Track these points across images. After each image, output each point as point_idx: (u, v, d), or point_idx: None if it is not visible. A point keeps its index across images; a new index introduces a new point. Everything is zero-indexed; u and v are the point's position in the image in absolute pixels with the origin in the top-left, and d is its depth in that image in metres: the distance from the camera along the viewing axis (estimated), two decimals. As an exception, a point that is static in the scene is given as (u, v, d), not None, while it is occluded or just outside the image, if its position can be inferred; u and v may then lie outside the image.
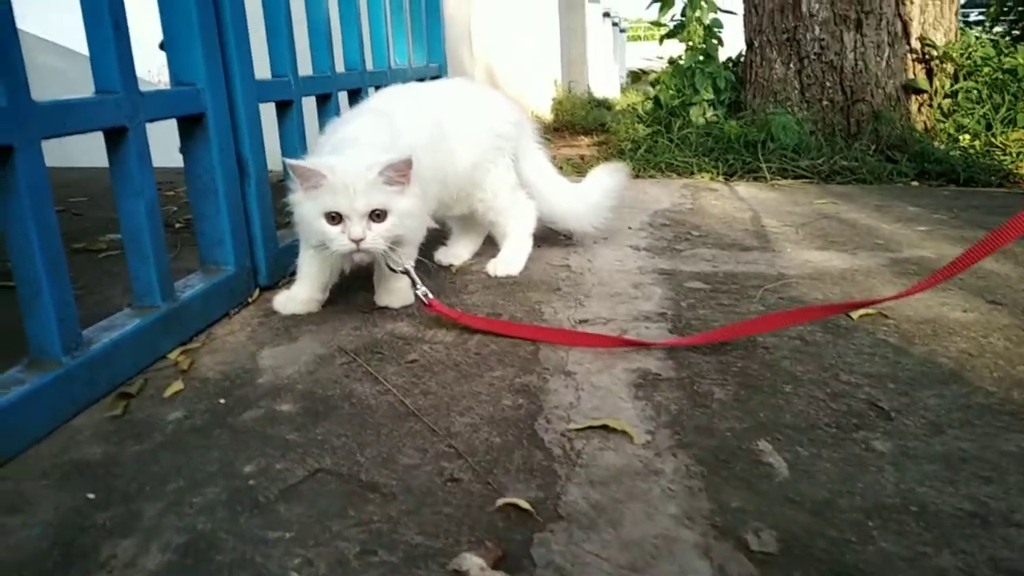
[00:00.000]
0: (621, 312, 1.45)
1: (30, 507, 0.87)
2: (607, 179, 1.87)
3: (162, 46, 1.38)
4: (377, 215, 1.28)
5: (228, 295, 1.46)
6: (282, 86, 1.64)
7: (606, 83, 10.68)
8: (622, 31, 13.84)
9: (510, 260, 1.72)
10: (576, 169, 3.52)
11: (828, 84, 3.36)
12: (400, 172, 1.28)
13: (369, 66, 2.15)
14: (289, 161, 1.28)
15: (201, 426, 1.05)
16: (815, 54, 3.37)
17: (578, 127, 5.82)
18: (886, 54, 3.30)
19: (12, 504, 0.87)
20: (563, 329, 1.37)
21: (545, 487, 0.89)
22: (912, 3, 3.26)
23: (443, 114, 1.61)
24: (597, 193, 1.85)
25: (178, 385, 1.16)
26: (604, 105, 7.83)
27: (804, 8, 3.35)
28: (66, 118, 1.06)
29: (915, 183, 2.90)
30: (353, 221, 1.27)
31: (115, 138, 1.18)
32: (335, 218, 1.27)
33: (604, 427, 1.01)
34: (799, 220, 2.23)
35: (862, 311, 1.42)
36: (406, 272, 1.39)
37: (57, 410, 1.04)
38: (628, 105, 7.40)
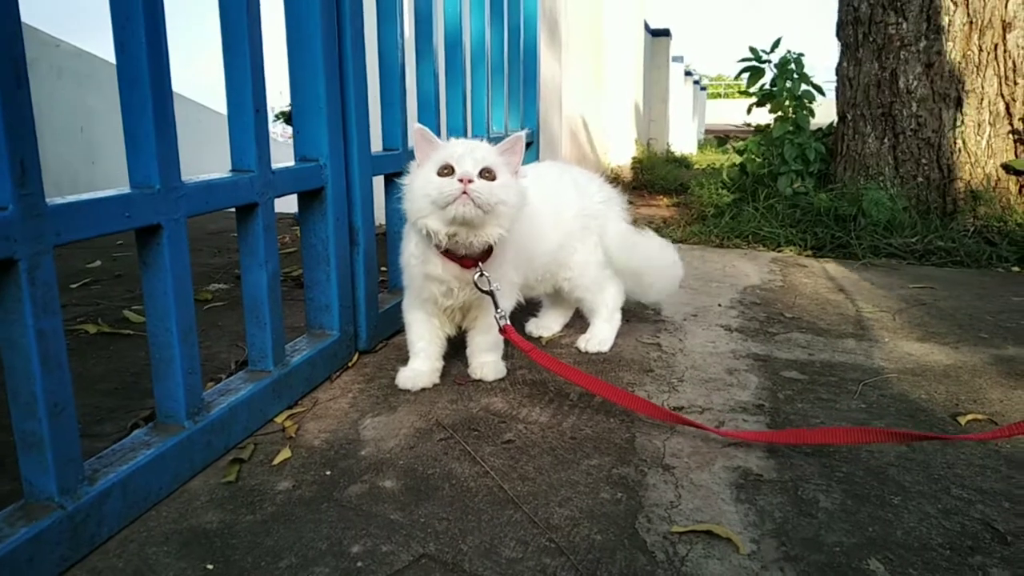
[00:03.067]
0: (717, 401, 1.44)
1: (154, 574, 0.91)
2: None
3: (278, 117, 1.47)
4: (487, 172, 1.33)
5: (331, 359, 1.51)
6: (393, 159, 1.71)
7: (685, 140, 10.69)
8: (702, 89, 13.88)
9: (601, 337, 1.73)
10: (658, 232, 3.52)
11: (924, 161, 3.29)
12: (511, 147, 1.37)
13: (469, 134, 2.22)
14: (417, 125, 1.38)
15: (309, 498, 1.08)
16: (911, 130, 3.31)
17: (657, 186, 5.84)
18: (987, 133, 3.21)
19: (138, 570, 0.92)
20: (623, 390, 1.36)
21: (650, 595, 0.89)
22: (1015, 84, 3.18)
23: (541, 201, 1.61)
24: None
25: (286, 453, 1.21)
26: (683, 163, 7.85)
27: (901, 84, 3.30)
28: (209, 196, 1.13)
29: (1016, 268, 2.79)
30: (465, 165, 1.31)
31: (246, 213, 1.25)
32: (447, 170, 1.32)
33: (708, 532, 1.00)
34: (895, 305, 2.17)
35: (971, 415, 1.38)
36: (490, 293, 1.42)
37: (178, 473, 1.09)
38: (708, 165, 7.40)
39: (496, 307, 1.43)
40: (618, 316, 1.78)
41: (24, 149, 0.83)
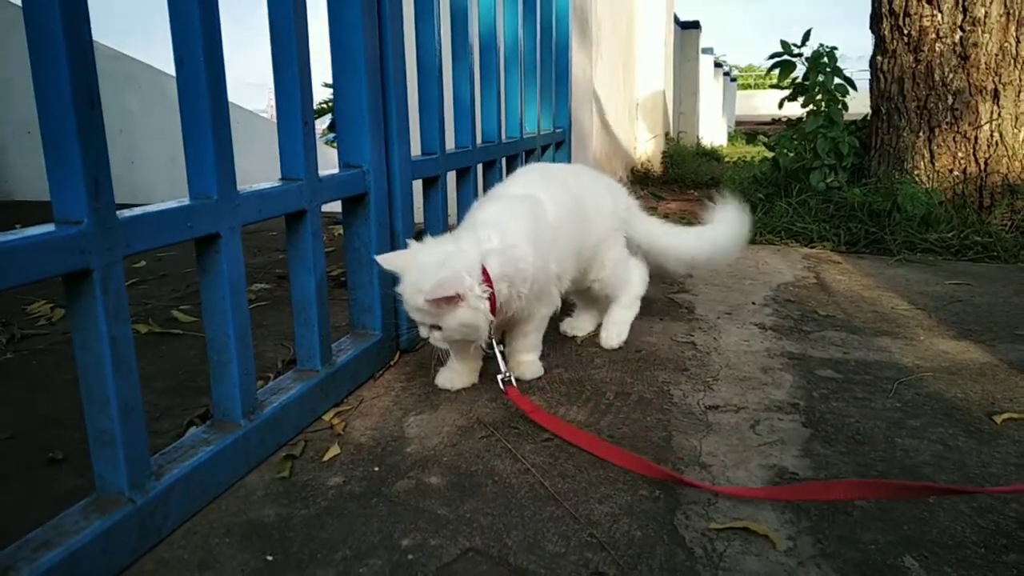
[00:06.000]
0: (752, 400, 1.47)
1: (218, 565, 0.96)
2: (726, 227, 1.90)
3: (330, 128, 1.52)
4: (434, 326, 1.36)
5: (375, 358, 1.56)
6: (432, 163, 1.75)
7: (715, 132, 10.62)
8: (733, 80, 13.75)
9: (618, 324, 1.81)
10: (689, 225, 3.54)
11: (960, 155, 3.26)
12: (447, 300, 1.30)
13: (503, 137, 2.26)
14: (379, 259, 1.40)
15: (359, 493, 1.13)
16: (947, 123, 3.27)
17: (687, 180, 5.83)
18: (1025, 126, 3.17)
19: (203, 560, 0.97)
20: (623, 450, 1.25)
21: (689, 589, 0.92)
22: (1056, 74, 3.13)
23: (582, 192, 1.70)
24: (719, 232, 1.89)
25: (335, 449, 1.26)
26: (713, 156, 7.80)
27: (937, 77, 3.27)
28: (262, 205, 1.19)
29: (1056, 263, 2.76)
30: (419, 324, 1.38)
31: (295, 220, 1.30)
32: None
33: (745, 529, 1.03)
34: (930, 303, 2.17)
35: (1007, 414, 1.38)
36: (492, 352, 1.46)
37: (235, 469, 1.15)
38: (739, 158, 7.36)
39: (502, 369, 1.45)
40: (638, 304, 1.85)
41: (97, 167, 0.88)
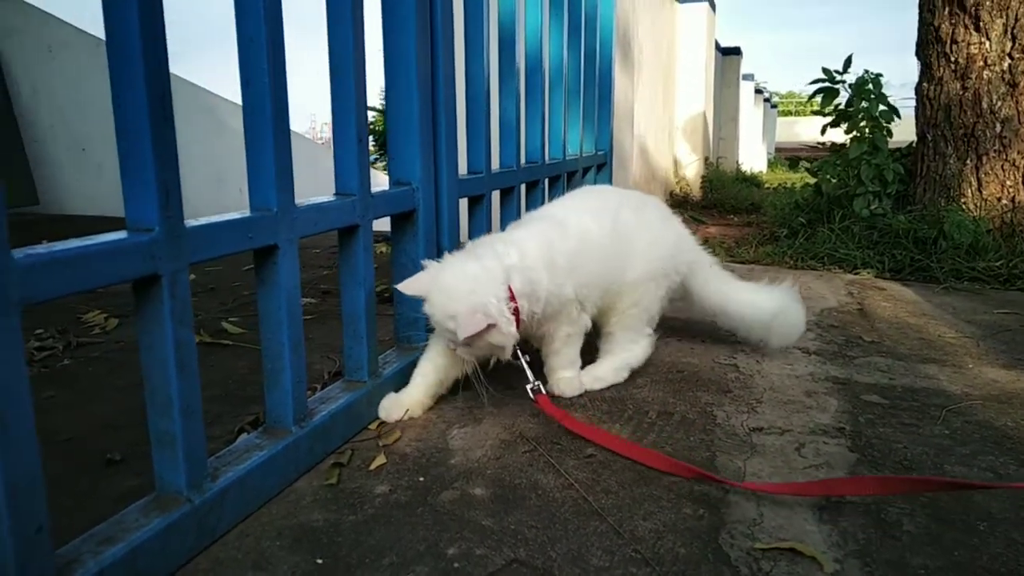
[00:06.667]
0: (796, 423, 1.46)
1: (271, 566, 0.99)
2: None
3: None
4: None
5: (419, 372, 1.59)
6: (477, 182, 1.79)
7: (755, 158, 10.57)
8: (773, 107, 13.68)
9: (596, 374, 1.65)
10: (728, 252, 3.52)
11: (1009, 183, 3.20)
12: (478, 328, 1.29)
13: (547, 158, 2.29)
14: (400, 287, 1.40)
15: (405, 502, 1.15)
16: (995, 151, 3.23)
17: (727, 205, 5.81)
18: (1077, 154, 3.11)
19: (255, 561, 1.00)
20: (655, 452, 1.29)
21: (735, 607, 0.92)
22: (1110, 102, 3.08)
23: (634, 228, 1.65)
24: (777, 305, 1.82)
25: (381, 459, 1.28)
26: (753, 182, 7.76)
27: (984, 104, 3.23)
28: (318, 219, 1.22)
29: (1110, 294, 2.69)
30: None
31: (348, 234, 1.34)
32: None
33: (791, 550, 1.03)
34: (978, 331, 2.13)
35: (1061, 445, 1.36)
36: (519, 362, 1.46)
37: (285, 475, 1.18)
38: (779, 184, 7.31)
39: (529, 379, 1.46)
40: (625, 375, 1.68)
41: (168, 177, 0.93)
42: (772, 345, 1.86)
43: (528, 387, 1.46)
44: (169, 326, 0.94)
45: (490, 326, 1.31)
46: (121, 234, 0.90)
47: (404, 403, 1.47)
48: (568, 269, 1.48)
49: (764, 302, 1.83)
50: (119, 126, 0.90)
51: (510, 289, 1.37)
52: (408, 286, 1.39)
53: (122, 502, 0.98)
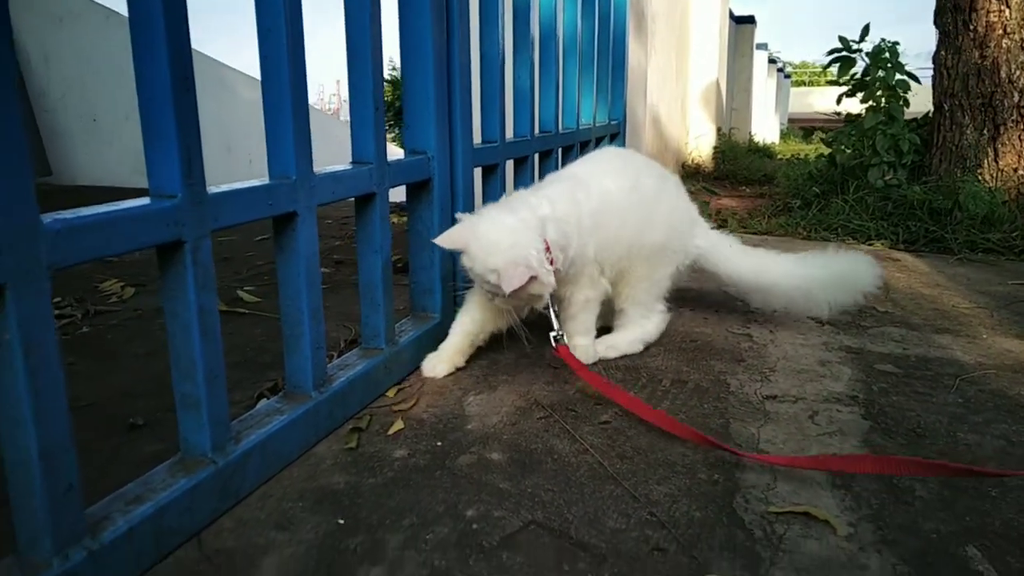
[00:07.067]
0: (810, 391, 1.47)
1: (293, 526, 1.01)
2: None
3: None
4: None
5: (434, 340, 1.60)
6: (492, 151, 1.79)
7: (767, 129, 10.46)
8: (786, 76, 13.51)
9: (611, 342, 1.66)
10: (740, 223, 3.51)
11: (1027, 153, 3.17)
12: (522, 281, 1.31)
13: (560, 127, 2.28)
14: (438, 240, 1.41)
15: (424, 466, 1.17)
16: (1013, 121, 3.19)
17: (739, 176, 5.77)
18: (1097, 124, 3.07)
19: (278, 522, 1.02)
20: (663, 414, 1.30)
21: (750, 568, 0.93)
22: None
23: (649, 188, 1.65)
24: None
25: (399, 424, 1.30)
26: (765, 153, 7.69)
27: (1003, 73, 3.19)
28: (335, 186, 1.23)
29: None
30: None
31: (365, 202, 1.35)
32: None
33: (805, 514, 1.04)
34: (993, 302, 2.13)
35: (1074, 414, 1.36)
36: (547, 311, 1.49)
37: (305, 439, 1.20)
38: (791, 155, 7.24)
39: (554, 327, 1.49)
40: (640, 348, 1.68)
41: (190, 145, 0.93)
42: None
43: (552, 335, 1.49)
44: (192, 291, 0.95)
45: (532, 278, 1.34)
46: (145, 200, 0.91)
47: (446, 358, 1.53)
48: (591, 228, 1.51)
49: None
50: (142, 94, 0.91)
51: (545, 240, 1.39)
52: (446, 239, 1.41)
53: (145, 465, 1.01)
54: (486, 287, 1.40)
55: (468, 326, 1.55)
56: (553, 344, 1.49)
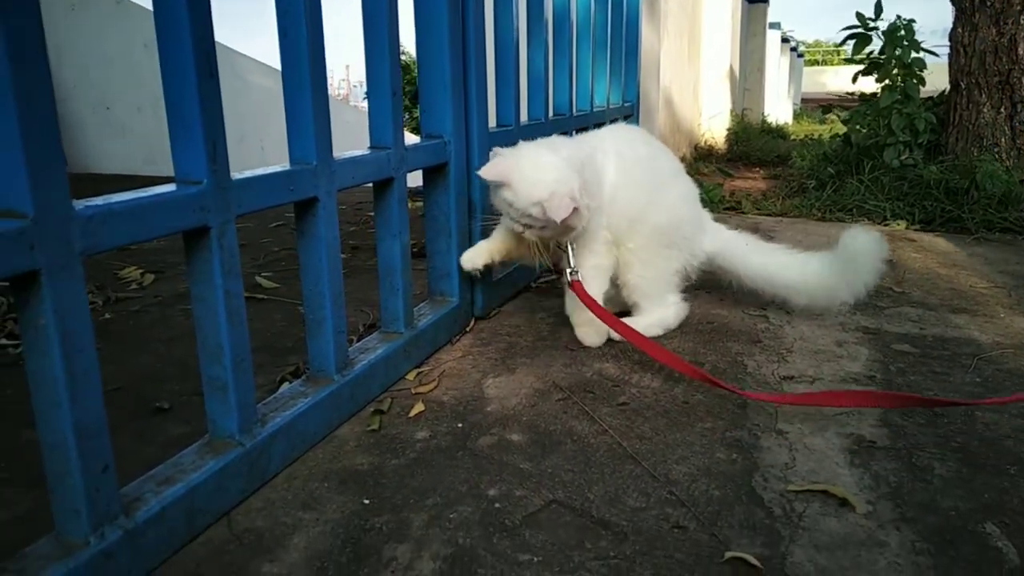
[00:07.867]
0: (827, 371, 1.47)
1: (319, 506, 1.03)
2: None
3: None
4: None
5: (452, 324, 1.62)
6: (507, 135, 1.79)
7: (781, 110, 10.38)
8: (800, 56, 13.37)
9: (635, 323, 1.58)
10: (755, 205, 3.50)
11: (1045, 131, 3.14)
12: (568, 211, 1.37)
13: (574, 110, 2.28)
14: (481, 172, 1.45)
15: (445, 447, 1.19)
16: (1032, 98, 3.15)
17: (753, 157, 5.74)
18: (1118, 101, 3.03)
19: (305, 502, 1.04)
20: (693, 365, 1.39)
21: (769, 545, 0.95)
22: None
23: (664, 168, 1.71)
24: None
25: (420, 406, 1.32)
26: (779, 134, 7.64)
27: (1021, 51, 3.15)
28: (355, 172, 1.24)
29: None
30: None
31: (383, 187, 1.36)
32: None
33: (824, 492, 1.05)
34: (1011, 281, 2.12)
35: (1093, 393, 1.36)
36: (569, 249, 1.55)
37: (329, 421, 1.22)
38: (805, 135, 7.19)
39: (569, 263, 1.54)
40: (658, 332, 1.67)
41: (215, 130, 0.95)
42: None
43: (567, 271, 1.54)
44: (219, 276, 0.97)
45: (575, 209, 1.39)
46: (171, 187, 0.93)
47: (484, 251, 1.60)
48: (609, 199, 1.56)
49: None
50: (167, 81, 0.92)
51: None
52: (491, 171, 1.44)
53: (172, 447, 1.03)
54: (524, 220, 1.44)
55: (497, 244, 1.60)
56: (567, 279, 1.54)
